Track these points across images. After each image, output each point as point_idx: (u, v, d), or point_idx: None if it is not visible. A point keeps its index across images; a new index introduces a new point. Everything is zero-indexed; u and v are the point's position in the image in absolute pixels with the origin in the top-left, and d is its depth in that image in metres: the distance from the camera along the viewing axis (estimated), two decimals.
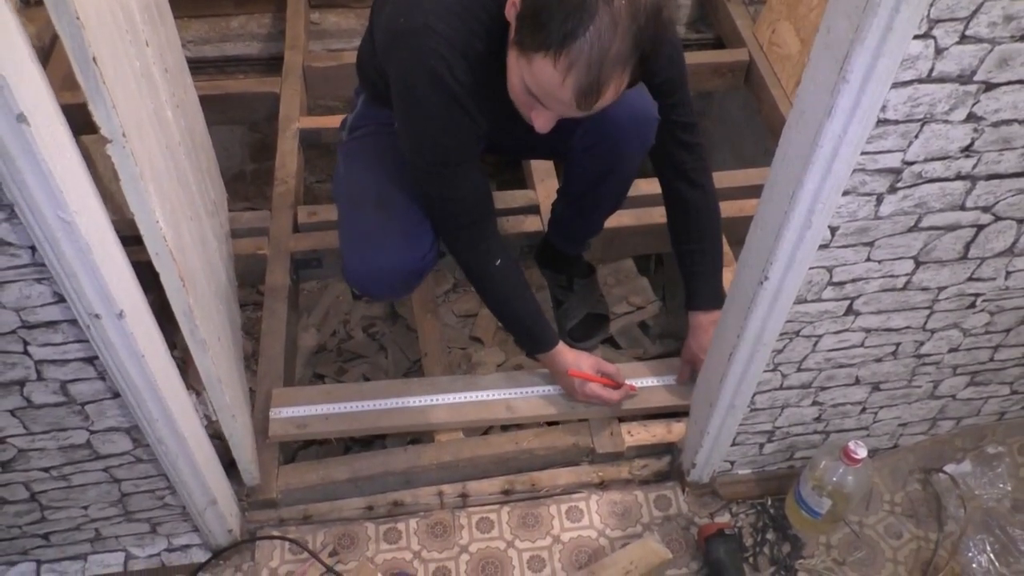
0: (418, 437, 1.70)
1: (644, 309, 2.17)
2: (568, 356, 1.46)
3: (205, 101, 2.05)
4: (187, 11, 2.37)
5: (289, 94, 2.10)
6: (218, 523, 1.33)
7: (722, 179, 1.98)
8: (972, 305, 1.22)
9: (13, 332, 0.95)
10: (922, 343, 1.28)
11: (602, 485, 1.52)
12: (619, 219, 1.84)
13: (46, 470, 1.16)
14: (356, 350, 2.15)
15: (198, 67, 2.33)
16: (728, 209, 1.91)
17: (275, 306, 1.70)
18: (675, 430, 1.55)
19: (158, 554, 1.38)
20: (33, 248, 0.85)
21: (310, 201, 2.19)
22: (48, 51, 2.01)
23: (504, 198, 1.93)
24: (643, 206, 1.91)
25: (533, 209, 1.91)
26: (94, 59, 0.82)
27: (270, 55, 2.36)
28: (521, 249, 1.93)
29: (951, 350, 1.30)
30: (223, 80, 2.27)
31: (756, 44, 2.28)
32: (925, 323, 1.23)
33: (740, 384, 1.26)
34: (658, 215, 1.93)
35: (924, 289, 1.17)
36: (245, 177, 2.60)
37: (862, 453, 1.30)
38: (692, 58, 2.32)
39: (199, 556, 1.39)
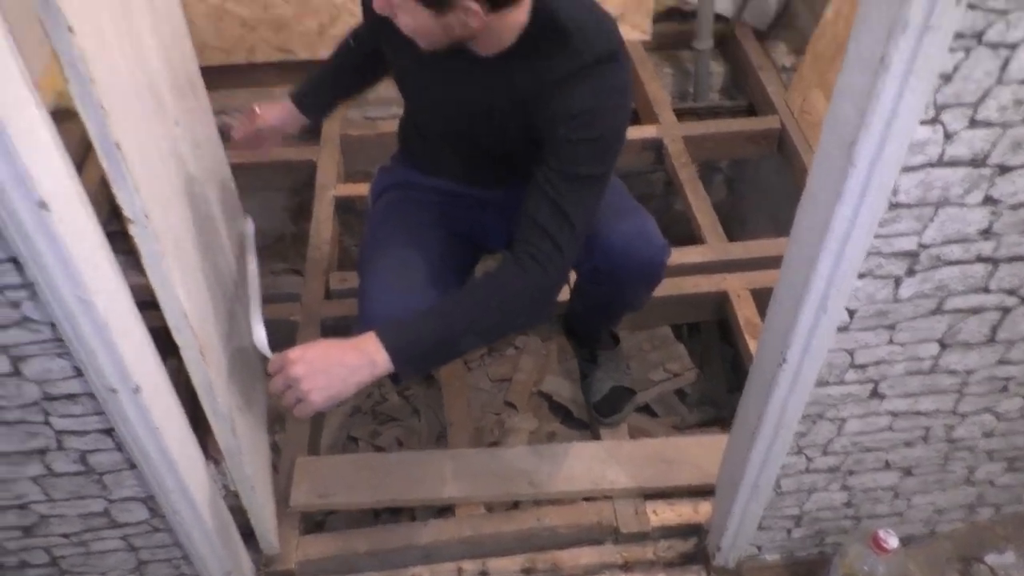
0: (447, 507, 1.69)
1: (681, 376, 2.14)
2: None
3: (245, 169, 2.12)
4: (232, 82, 2.46)
5: (326, 162, 2.15)
6: None
7: (757, 248, 1.97)
8: (1004, 389, 1.17)
9: (36, 403, 0.97)
10: (953, 427, 1.23)
11: (625, 566, 1.48)
12: None
13: (66, 536, 1.18)
14: (390, 413, 2.16)
15: None
16: (763, 279, 1.90)
17: None
18: (702, 510, 1.51)
19: None
20: (54, 324, 0.88)
21: (350, 263, 2.22)
22: None
23: None
24: (672, 275, 1.90)
25: None
26: (117, 145, 0.85)
27: None
28: (550, 316, 1.93)
29: (985, 435, 1.26)
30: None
31: (788, 111, 2.28)
32: (955, 407, 1.19)
33: (763, 466, 1.23)
34: (690, 285, 1.92)
35: (952, 372, 1.14)
36: (285, 239, 2.66)
37: (893, 543, 1.24)
38: (724, 125, 2.34)
39: None
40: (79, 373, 0.94)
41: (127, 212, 0.90)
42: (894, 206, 0.91)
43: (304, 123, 1.53)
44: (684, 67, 2.67)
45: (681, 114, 2.43)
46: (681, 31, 2.63)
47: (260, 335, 1.33)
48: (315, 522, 1.70)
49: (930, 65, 0.78)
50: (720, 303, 1.93)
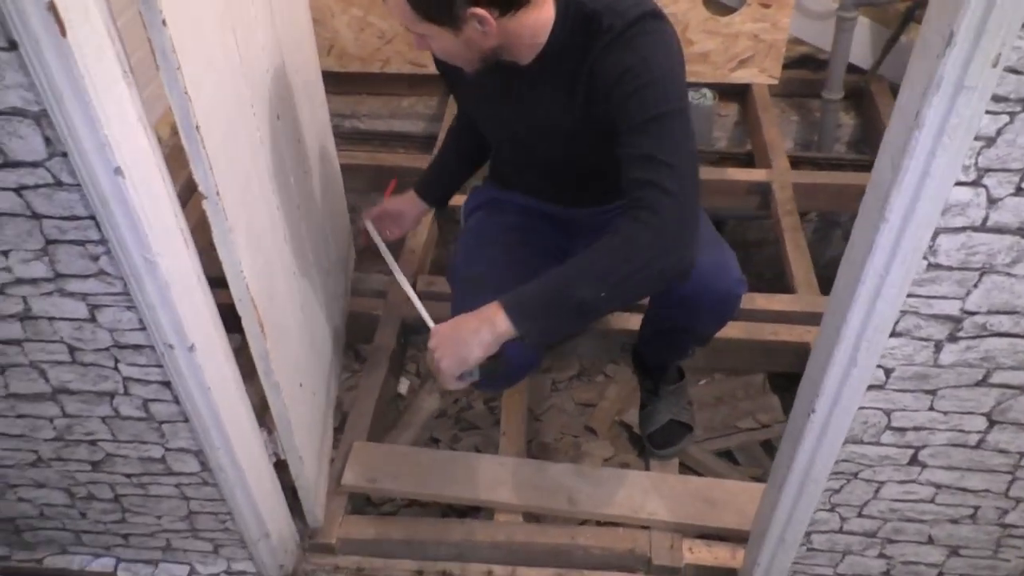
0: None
1: (770, 428, 2.08)
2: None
3: (360, 170, 2.26)
4: (367, 88, 2.62)
5: None
6: (270, 556, 1.42)
7: None
8: None
9: (107, 349, 1.09)
10: (1006, 511, 1.16)
11: None
12: (726, 331, 1.80)
13: (128, 476, 1.30)
14: (473, 420, 2.21)
15: (366, 138, 2.56)
16: None
17: (376, 365, 1.81)
18: (739, 556, 1.48)
19: (218, 574, 1.48)
20: (123, 279, 0.99)
21: (442, 268, 2.31)
22: None
23: None
24: (754, 320, 1.87)
25: (640, 307, 1.92)
26: (197, 127, 0.95)
27: (430, 134, 2.55)
28: (622, 346, 1.94)
29: None
30: (383, 153, 2.48)
31: None
32: (1007, 489, 1.12)
33: (791, 518, 1.20)
34: (768, 332, 1.88)
35: (1002, 451, 1.07)
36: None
37: None
38: (840, 178, 2.28)
39: None
40: (144, 326, 1.05)
41: (201, 187, 1.00)
42: (933, 266, 0.88)
43: (425, 210, 1.69)
44: (813, 116, 2.61)
45: (800, 162, 2.38)
46: (813, 79, 2.58)
47: (423, 314, 1.40)
48: (386, 512, 1.76)
49: (965, 126, 0.76)
50: (802, 355, 1.87)
